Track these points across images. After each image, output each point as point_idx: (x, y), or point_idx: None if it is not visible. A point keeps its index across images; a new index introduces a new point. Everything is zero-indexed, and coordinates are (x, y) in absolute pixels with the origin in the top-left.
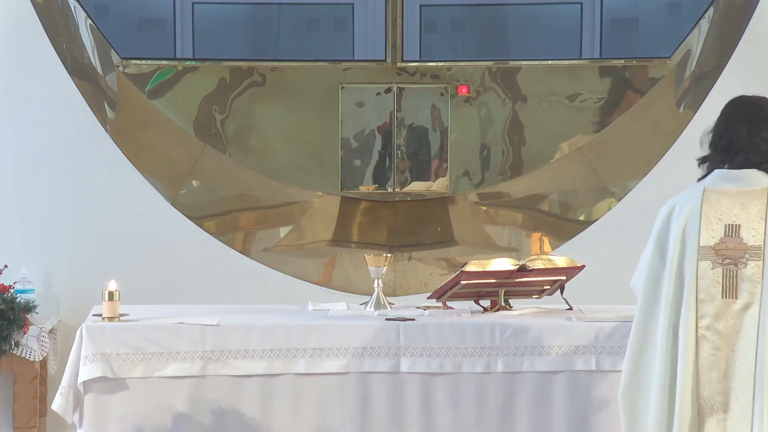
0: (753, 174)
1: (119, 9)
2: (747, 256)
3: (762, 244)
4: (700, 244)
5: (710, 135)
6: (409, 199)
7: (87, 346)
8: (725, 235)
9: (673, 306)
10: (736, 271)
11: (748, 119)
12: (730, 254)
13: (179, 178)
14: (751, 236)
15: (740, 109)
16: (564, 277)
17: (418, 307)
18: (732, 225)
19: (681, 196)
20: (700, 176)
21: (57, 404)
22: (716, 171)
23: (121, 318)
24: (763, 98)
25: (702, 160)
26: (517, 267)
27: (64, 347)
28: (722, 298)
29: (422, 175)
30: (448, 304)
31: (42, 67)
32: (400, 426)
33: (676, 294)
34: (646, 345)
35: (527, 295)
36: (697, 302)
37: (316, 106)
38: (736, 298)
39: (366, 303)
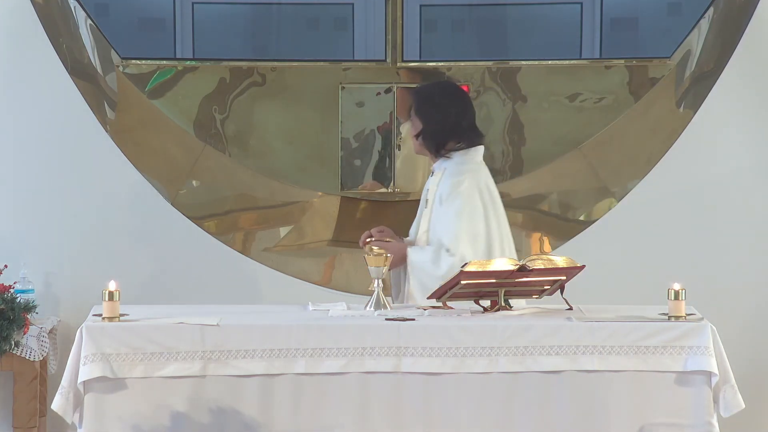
0: None
1: (119, 9)
2: None
3: None
4: None
5: None
6: (409, 199)
7: (87, 346)
8: None
9: None
10: None
11: None
12: None
13: (179, 178)
14: None
15: None
16: (564, 277)
17: (418, 307)
18: None
19: None
20: None
21: (57, 404)
22: None
23: (121, 318)
24: None
25: None
26: (517, 267)
27: (64, 347)
28: None
29: None
30: (448, 304)
31: (42, 67)
32: (400, 426)
33: None
34: None
35: (527, 295)
36: None
37: (316, 106)
38: None
39: (366, 303)
